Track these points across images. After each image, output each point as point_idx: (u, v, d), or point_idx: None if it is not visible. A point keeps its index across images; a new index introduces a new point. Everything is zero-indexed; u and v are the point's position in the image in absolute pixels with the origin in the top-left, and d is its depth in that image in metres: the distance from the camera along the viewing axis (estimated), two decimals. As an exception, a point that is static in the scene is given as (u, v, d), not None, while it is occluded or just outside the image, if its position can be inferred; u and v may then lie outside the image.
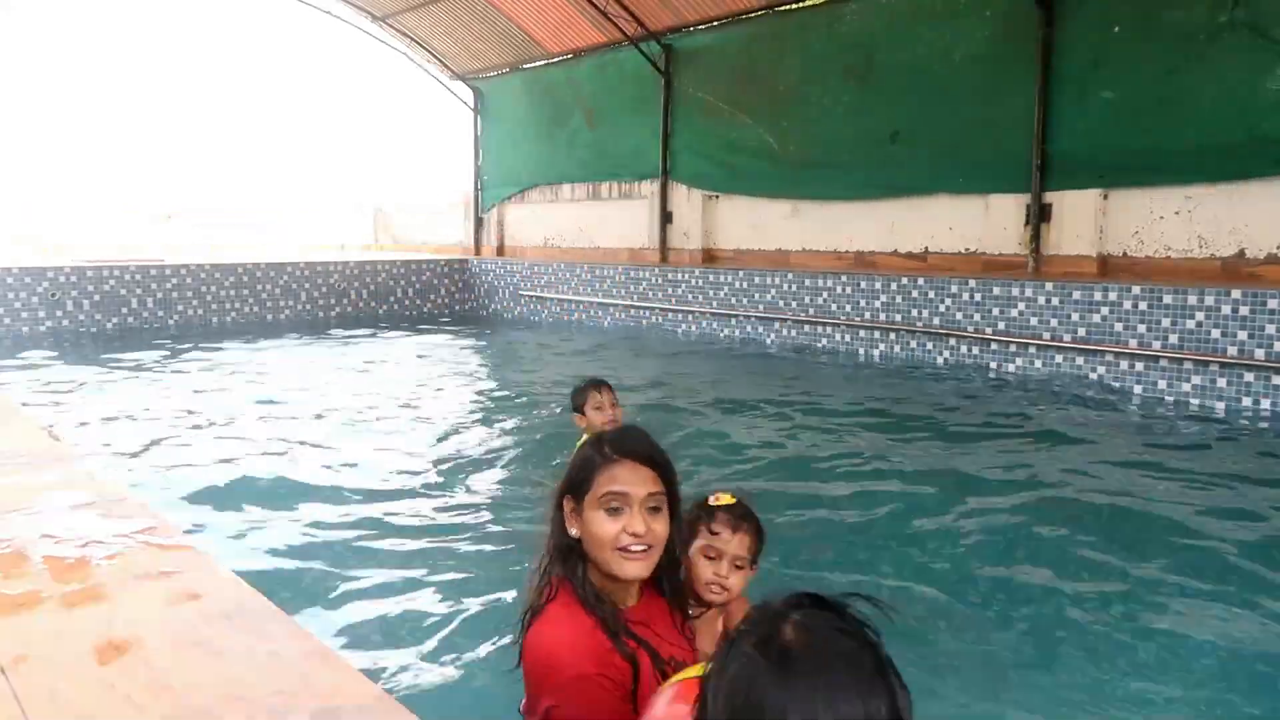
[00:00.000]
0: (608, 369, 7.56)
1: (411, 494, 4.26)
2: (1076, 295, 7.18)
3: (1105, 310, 7.02)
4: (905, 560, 3.47)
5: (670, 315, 10.47)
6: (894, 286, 8.35)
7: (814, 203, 10.49)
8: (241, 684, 0.97)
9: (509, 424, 5.92)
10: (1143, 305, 6.83)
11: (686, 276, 10.38)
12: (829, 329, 8.85)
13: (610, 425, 3.64)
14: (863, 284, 8.63)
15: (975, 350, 7.77)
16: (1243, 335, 6.36)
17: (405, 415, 6.00)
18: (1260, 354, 6.27)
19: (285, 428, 5.63)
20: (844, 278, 8.82)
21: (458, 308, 13.52)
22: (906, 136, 9.38)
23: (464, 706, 2.46)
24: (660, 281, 10.66)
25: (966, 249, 9.13)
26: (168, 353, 8.98)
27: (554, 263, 12.41)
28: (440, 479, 4.54)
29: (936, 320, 8.06)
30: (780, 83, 10.55)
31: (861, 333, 8.57)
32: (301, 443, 5.22)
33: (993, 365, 7.62)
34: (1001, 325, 7.63)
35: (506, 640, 2.77)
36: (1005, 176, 8.63)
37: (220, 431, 5.49)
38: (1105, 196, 8.13)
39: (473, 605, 3.04)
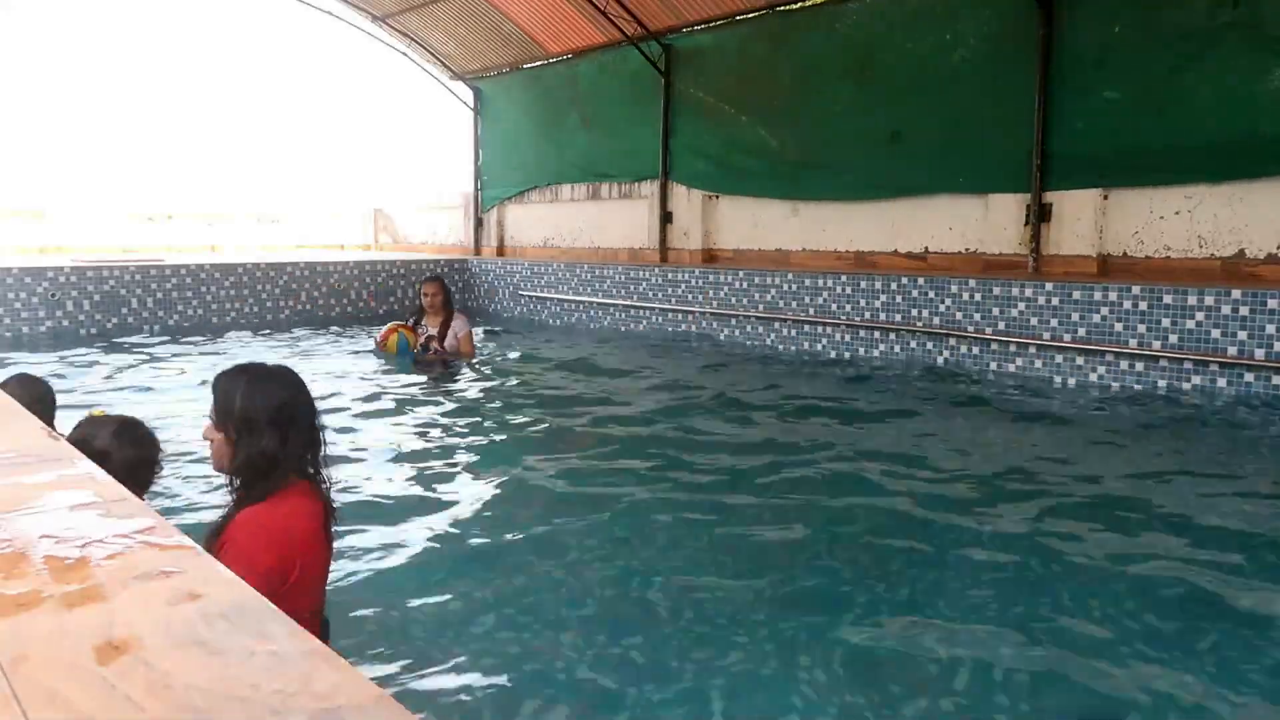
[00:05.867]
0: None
1: (412, 493, 4.26)
2: (1076, 295, 7.18)
3: (1105, 310, 7.02)
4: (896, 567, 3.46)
5: (670, 315, 10.47)
6: (894, 286, 8.35)
7: (814, 203, 10.49)
8: (241, 684, 0.97)
9: (508, 423, 5.92)
10: (1143, 305, 6.83)
11: (686, 276, 10.38)
12: (829, 329, 8.85)
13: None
14: (863, 284, 8.63)
15: (975, 350, 7.77)
16: (1243, 335, 6.36)
17: (406, 414, 6.00)
18: (1260, 354, 6.27)
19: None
20: (844, 278, 8.82)
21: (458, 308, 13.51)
22: (906, 136, 9.39)
23: (464, 706, 2.46)
24: (660, 281, 10.66)
25: (966, 249, 9.13)
26: (168, 353, 8.99)
27: (554, 263, 12.41)
28: (441, 477, 4.54)
29: (936, 320, 8.06)
30: (780, 83, 10.55)
31: (861, 333, 8.57)
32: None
33: (992, 365, 7.63)
34: (1001, 325, 7.63)
35: (508, 640, 2.77)
36: (1005, 176, 8.63)
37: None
38: (1105, 196, 8.13)
39: (474, 604, 3.04)
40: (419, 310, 7.90)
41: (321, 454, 2.48)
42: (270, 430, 2.36)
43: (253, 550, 2.30)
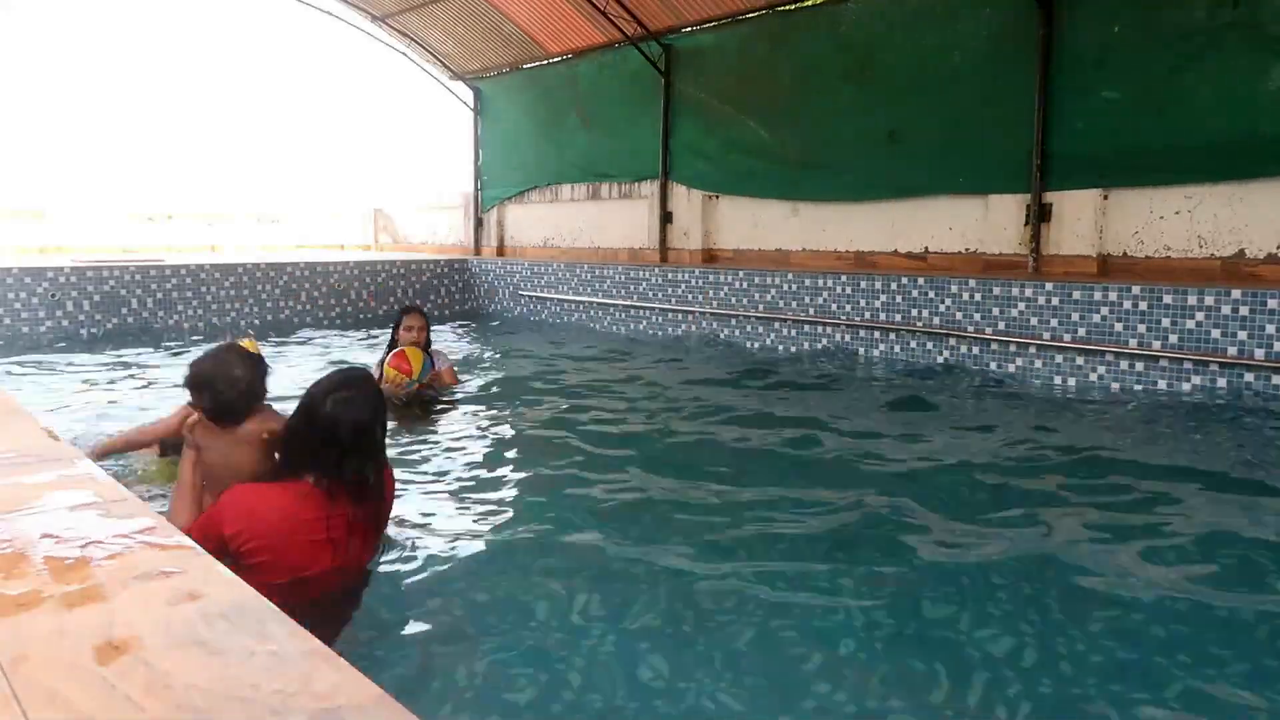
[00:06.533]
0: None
1: (410, 492, 4.26)
2: (1076, 295, 7.18)
3: (1105, 310, 7.02)
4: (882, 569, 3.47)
5: (670, 315, 10.48)
6: (894, 286, 8.35)
7: (814, 203, 10.49)
8: (241, 684, 0.97)
9: (509, 420, 5.92)
10: (1143, 305, 6.83)
11: (686, 276, 10.38)
12: (829, 329, 8.85)
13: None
14: (863, 284, 8.63)
15: (975, 350, 7.77)
16: (1243, 335, 6.36)
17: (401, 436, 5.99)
18: (1260, 354, 6.27)
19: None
20: (844, 278, 8.83)
21: (458, 308, 13.53)
22: (906, 136, 9.39)
23: (464, 706, 2.46)
24: (660, 281, 10.66)
25: (967, 249, 9.13)
26: (168, 353, 8.99)
27: (554, 263, 12.42)
28: (440, 477, 4.54)
29: (936, 320, 8.06)
30: (780, 83, 10.55)
31: (861, 333, 8.58)
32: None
33: (993, 365, 7.63)
34: (1001, 325, 7.63)
35: (508, 639, 2.77)
36: (1005, 176, 8.63)
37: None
38: (1105, 196, 8.13)
39: (473, 603, 3.04)
40: (391, 345, 6.43)
41: (359, 466, 2.71)
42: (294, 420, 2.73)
43: (219, 513, 2.59)
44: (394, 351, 6.16)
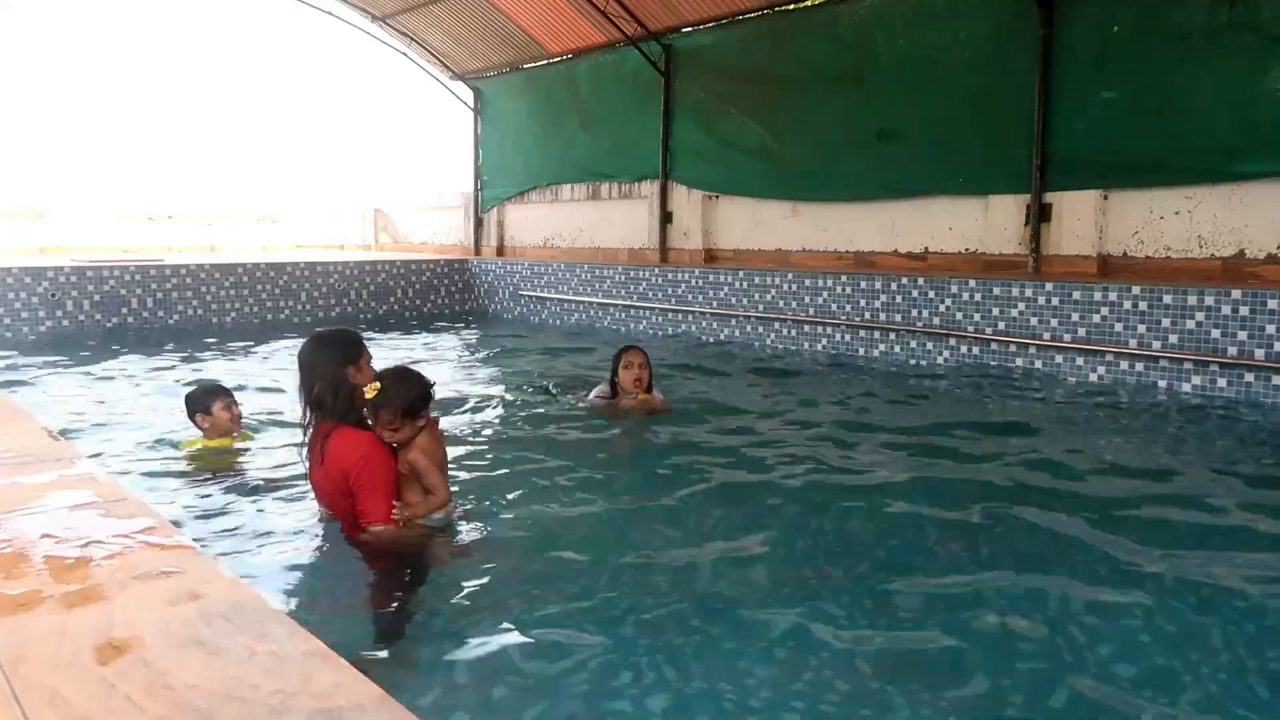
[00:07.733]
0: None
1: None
2: (1076, 295, 7.19)
3: (1105, 310, 7.02)
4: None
5: (670, 315, 10.48)
6: (894, 286, 8.36)
7: (814, 203, 10.50)
8: (241, 684, 0.97)
9: (508, 419, 5.91)
10: (1143, 305, 6.84)
11: (686, 276, 10.38)
12: (829, 329, 8.85)
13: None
14: (863, 284, 8.63)
15: (975, 350, 7.77)
16: (1243, 335, 6.36)
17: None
18: (1260, 354, 6.27)
19: (285, 428, 5.62)
20: (844, 278, 8.83)
21: (458, 308, 13.53)
22: (906, 136, 9.39)
23: (464, 706, 2.46)
24: (660, 281, 10.66)
25: (967, 249, 9.13)
26: (168, 353, 8.99)
27: (554, 263, 12.42)
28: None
29: (936, 320, 8.06)
30: (780, 83, 10.55)
31: (861, 333, 8.58)
32: (303, 443, 5.19)
33: (993, 365, 7.63)
34: (1001, 325, 7.63)
35: (508, 640, 2.77)
36: (1005, 176, 8.63)
37: (220, 431, 5.47)
38: (1105, 196, 8.13)
39: (473, 603, 3.04)
40: (612, 381, 6.01)
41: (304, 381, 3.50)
42: None
43: None
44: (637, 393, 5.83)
